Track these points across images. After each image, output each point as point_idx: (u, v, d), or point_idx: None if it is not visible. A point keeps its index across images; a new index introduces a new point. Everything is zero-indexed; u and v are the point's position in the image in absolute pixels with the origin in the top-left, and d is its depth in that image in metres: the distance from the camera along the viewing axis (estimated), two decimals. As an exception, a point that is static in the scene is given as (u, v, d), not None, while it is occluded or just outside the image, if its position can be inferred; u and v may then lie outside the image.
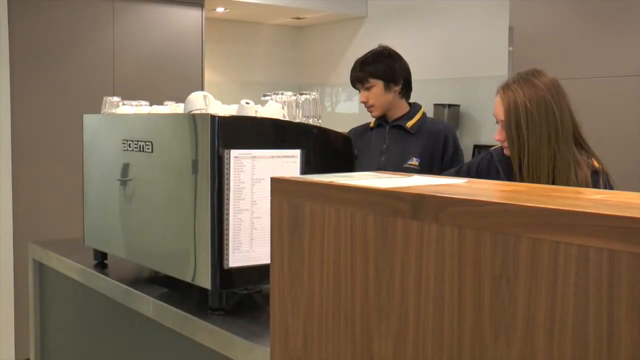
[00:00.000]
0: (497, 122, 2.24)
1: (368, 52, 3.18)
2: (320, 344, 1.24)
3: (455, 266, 0.99)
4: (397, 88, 3.12)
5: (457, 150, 3.10)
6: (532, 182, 2.11)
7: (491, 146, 2.70)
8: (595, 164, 2.21)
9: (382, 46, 3.18)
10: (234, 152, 1.74)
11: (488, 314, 0.96)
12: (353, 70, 3.16)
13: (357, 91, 3.21)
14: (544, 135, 2.11)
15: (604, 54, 3.59)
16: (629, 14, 3.50)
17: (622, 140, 3.44)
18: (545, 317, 0.90)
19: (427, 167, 3.00)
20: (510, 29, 4.09)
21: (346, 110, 7.15)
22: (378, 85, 3.09)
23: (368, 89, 3.10)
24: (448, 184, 1.16)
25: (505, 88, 2.20)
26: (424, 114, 3.21)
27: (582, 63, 3.66)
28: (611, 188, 2.16)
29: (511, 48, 4.07)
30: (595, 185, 2.16)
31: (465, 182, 1.20)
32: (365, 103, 3.14)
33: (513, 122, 2.14)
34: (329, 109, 7.32)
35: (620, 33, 3.52)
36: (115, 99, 2.36)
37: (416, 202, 1.04)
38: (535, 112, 2.11)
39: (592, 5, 3.66)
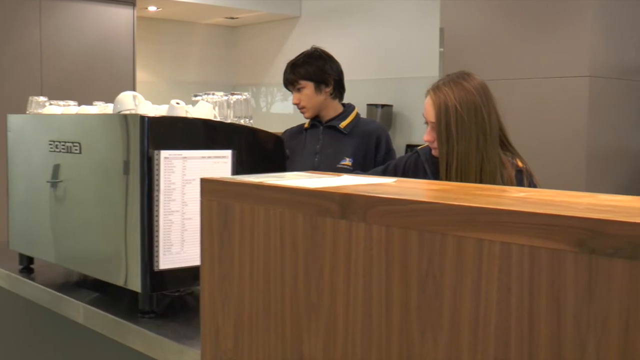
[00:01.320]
0: (426, 123, 2.26)
1: (300, 54, 3.19)
2: (250, 344, 1.24)
3: (383, 265, 1.00)
4: (328, 89, 3.13)
5: (389, 151, 3.14)
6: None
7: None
8: (519, 164, 2.26)
9: (314, 47, 3.19)
10: (164, 153, 1.73)
11: (415, 311, 0.97)
12: (285, 72, 3.17)
13: (290, 92, 3.22)
14: (472, 139, 2.14)
15: (534, 56, 3.67)
16: (560, 17, 3.59)
17: (555, 140, 3.53)
18: (470, 313, 0.92)
19: (361, 167, 3.03)
20: (441, 30, 4.14)
21: (281, 110, 7.15)
22: (309, 87, 3.10)
23: (299, 90, 3.11)
24: (377, 184, 1.17)
25: (435, 90, 2.22)
26: (357, 114, 3.23)
27: (512, 64, 3.74)
28: (535, 187, 2.21)
29: (442, 49, 4.13)
30: (520, 184, 2.21)
31: (394, 182, 1.21)
32: (297, 105, 3.15)
33: (443, 125, 2.16)
34: (264, 109, 7.31)
35: (550, 35, 3.61)
36: (42, 98, 2.30)
37: (344, 201, 1.04)
38: (466, 116, 2.14)
39: (522, 7, 3.74)
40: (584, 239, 0.80)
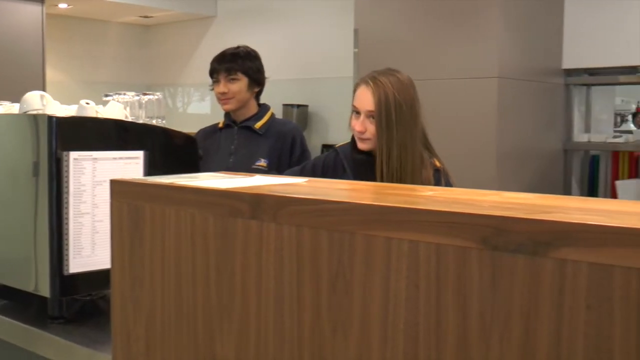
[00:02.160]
0: (356, 113, 2.25)
1: (238, 47, 3.16)
2: (163, 348, 1.22)
3: (294, 265, 1.01)
4: (257, 90, 3.14)
5: (304, 152, 3.14)
6: (397, 174, 2.16)
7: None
8: (437, 163, 2.30)
9: (247, 47, 3.19)
10: (73, 154, 1.69)
11: (326, 310, 0.98)
12: (221, 60, 3.11)
13: (208, 92, 3.18)
14: (408, 130, 2.18)
15: (446, 57, 3.74)
16: (470, 19, 3.68)
17: (466, 140, 3.61)
18: (379, 310, 0.93)
19: (276, 168, 3.02)
20: (355, 31, 4.18)
21: (198, 110, 7.08)
22: (243, 81, 3.08)
23: (232, 80, 3.08)
24: (287, 184, 1.18)
25: (374, 80, 2.23)
26: (272, 114, 3.23)
27: (424, 65, 3.81)
28: (451, 186, 2.25)
29: (356, 50, 4.17)
30: (437, 183, 2.25)
31: (306, 182, 1.22)
32: (223, 94, 3.09)
33: (384, 113, 2.17)
34: (180, 109, 7.22)
35: (461, 37, 3.69)
36: (-57, 98, 2.21)
37: (255, 201, 1.04)
38: (405, 107, 2.17)
39: (434, 9, 3.82)
40: (488, 236, 0.82)
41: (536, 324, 0.81)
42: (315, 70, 5.81)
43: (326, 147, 5.55)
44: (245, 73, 3.09)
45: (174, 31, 7.24)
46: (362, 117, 2.23)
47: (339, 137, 3.12)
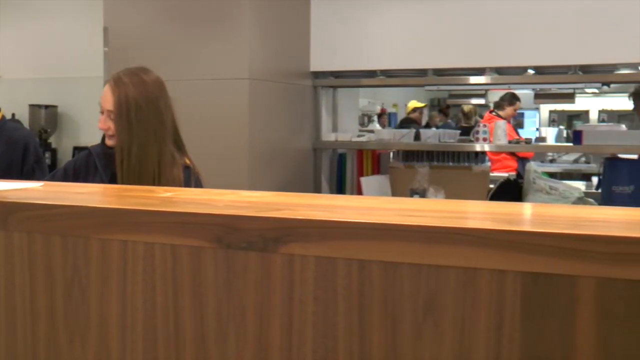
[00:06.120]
0: (102, 112, 2.24)
1: None
2: None
3: (26, 273, 0.96)
4: None
5: (39, 160, 2.96)
6: (139, 173, 2.14)
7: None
8: (188, 162, 2.32)
9: None
10: None
11: (62, 318, 0.95)
12: None
13: None
14: (151, 129, 2.18)
15: (197, 58, 3.74)
16: (220, 20, 3.70)
17: (220, 140, 3.63)
18: (117, 315, 0.91)
19: (4, 176, 2.83)
20: (105, 29, 4.06)
21: None
22: None
23: None
24: (19, 189, 1.12)
25: (116, 80, 2.23)
26: (3, 117, 3.02)
27: (176, 66, 3.78)
28: (201, 186, 2.28)
29: (106, 49, 4.04)
30: (187, 182, 2.27)
31: (41, 186, 1.17)
32: None
33: (123, 113, 2.17)
34: None
35: (211, 38, 3.71)
36: None
37: (-19, 209, 0.98)
38: (145, 106, 2.17)
39: (184, 9, 3.80)
40: (221, 235, 0.84)
41: (269, 319, 0.83)
42: (65, 69, 5.55)
43: (78, 149, 5.34)
44: None
45: None
46: (104, 115, 2.23)
47: (92, 139, 3.01)
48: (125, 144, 2.19)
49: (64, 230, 0.93)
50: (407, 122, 7.77)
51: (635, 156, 3.73)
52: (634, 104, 4.40)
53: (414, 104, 8.39)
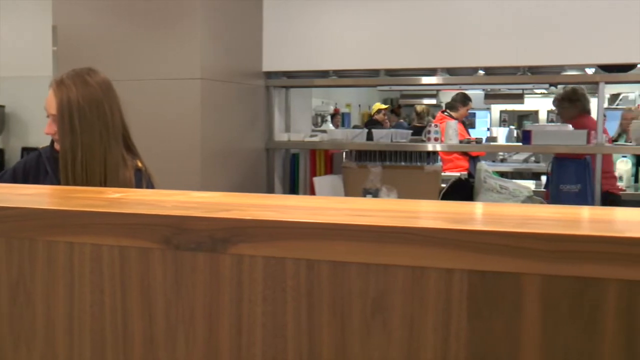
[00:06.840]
0: (48, 116, 2.20)
1: None
2: None
3: (-31, 277, 0.94)
4: None
5: None
6: (85, 178, 2.12)
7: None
8: (139, 164, 2.29)
9: None
10: None
11: (7, 322, 0.93)
12: None
13: None
14: (96, 132, 2.14)
15: (148, 57, 3.71)
16: (171, 20, 3.67)
17: (172, 140, 3.60)
18: (64, 318, 0.90)
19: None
20: (54, 28, 4.00)
21: None
22: None
23: None
24: (-37, 190, 1.10)
25: (59, 83, 2.18)
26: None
27: (126, 65, 3.74)
28: (152, 187, 2.26)
29: (55, 48, 3.98)
30: (138, 184, 2.24)
31: (-15, 187, 1.14)
32: None
33: (66, 117, 2.13)
34: None
35: (163, 38, 3.67)
36: None
37: None
38: (88, 110, 2.13)
39: (134, 9, 3.76)
40: (169, 236, 0.83)
41: (218, 320, 0.83)
42: (12, 68, 5.45)
43: (26, 150, 5.25)
44: None
45: None
46: (50, 119, 2.19)
47: (41, 140, 2.96)
48: (69, 149, 2.16)
49: (9, 233, 0.91)
50: (372, 124, 7.87)
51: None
52: (558, 109, 4.47)
53: (378, 105, 8.54)
